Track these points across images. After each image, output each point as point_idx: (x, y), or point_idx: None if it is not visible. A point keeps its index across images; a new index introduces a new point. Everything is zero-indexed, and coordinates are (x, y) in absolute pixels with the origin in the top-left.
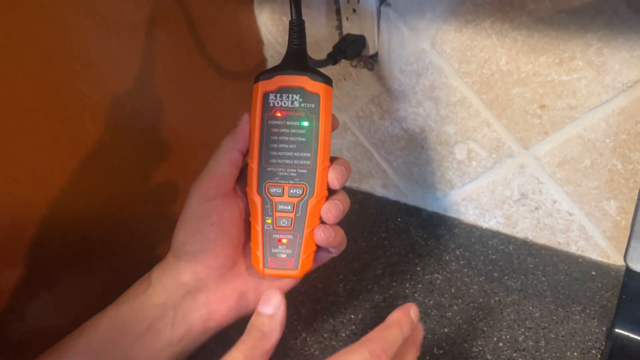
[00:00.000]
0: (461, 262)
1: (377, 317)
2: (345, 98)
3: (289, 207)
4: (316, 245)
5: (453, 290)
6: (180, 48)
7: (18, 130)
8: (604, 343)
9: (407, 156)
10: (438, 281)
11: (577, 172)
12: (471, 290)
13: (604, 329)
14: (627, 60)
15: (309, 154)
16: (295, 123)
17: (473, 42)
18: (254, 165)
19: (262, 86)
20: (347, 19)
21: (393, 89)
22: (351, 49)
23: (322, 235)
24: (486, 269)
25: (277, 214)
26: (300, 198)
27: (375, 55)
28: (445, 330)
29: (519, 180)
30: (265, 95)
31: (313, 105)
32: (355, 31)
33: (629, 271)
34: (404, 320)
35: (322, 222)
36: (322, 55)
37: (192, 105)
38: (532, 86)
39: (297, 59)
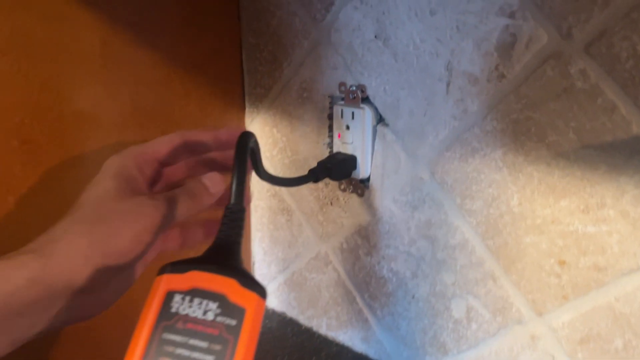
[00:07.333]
0: None
1: None
2: (330, 225)
3: None
4: None
5: None
6: None
7: None
8: None
9: (395, 305)
10: None
11: (605, 355)
12: None
13: None
14: None
15: None
16: (203, 344)
17: (480, 174)
18: None
19: (168, 281)
20: (339, 136)
21: (384, 221)
22: (339, 168)
23: None
24: None
25: None
26: None
27: (367, 179)
28: None
29: (528, 356)
30: (169, 296)
31: (234, 323)
32: (346, 150)
33: None
34: None
35: None
36: None
37: None
38: (549, 235)
39: (225, 255)
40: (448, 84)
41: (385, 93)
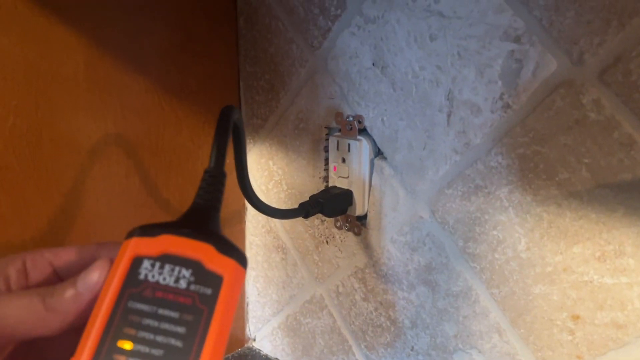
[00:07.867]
0: None
1: None
2: (326, 266)
3: None
4: None
5: None
6: (165, 180)
7: None
8: None
9: (393, 357)
10: None
11: None
12: None
13: None
14: None
15: None
16: (174, 314)
17: (484, 215)
18: None
19: (136, 245)
20: (334, 169)
21: (381, 263)
22: (332, 203)
23: None
24: None
25: None
26: None
27: (364, 217)
28: None
29: None
30: (137, 261)
31: (210, 292)
32: (342, 184)
33: None
34: None
35: None
36: None
37: None
38: (561, 286)
39: (202, 219)
40: (449, 115)
41: (383, 124)
